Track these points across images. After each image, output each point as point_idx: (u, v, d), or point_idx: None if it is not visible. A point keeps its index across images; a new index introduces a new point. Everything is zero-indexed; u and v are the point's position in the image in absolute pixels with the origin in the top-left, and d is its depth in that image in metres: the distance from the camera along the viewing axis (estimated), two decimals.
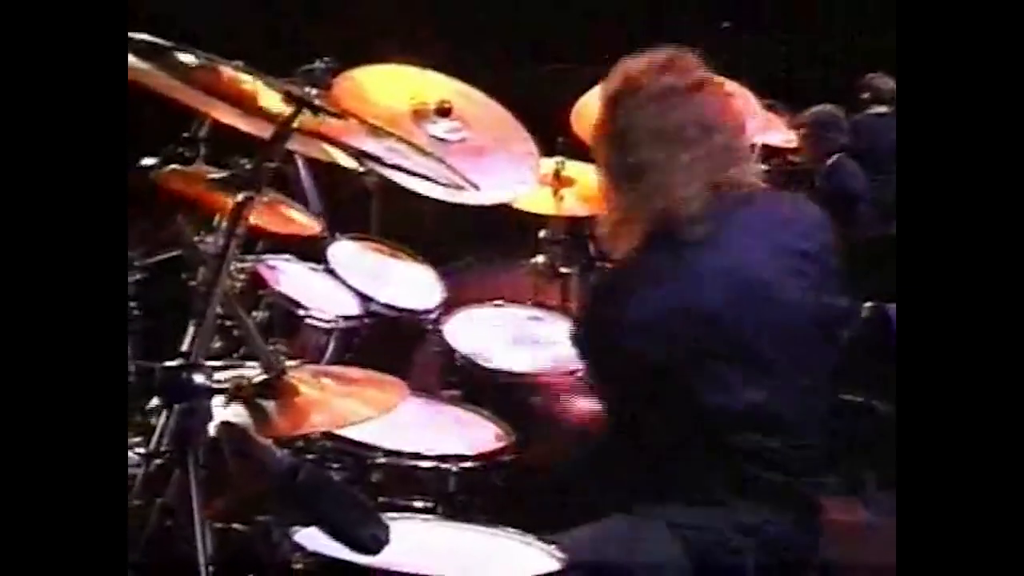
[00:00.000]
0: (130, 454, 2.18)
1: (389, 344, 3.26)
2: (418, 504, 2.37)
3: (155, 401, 1.78)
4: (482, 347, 3.09)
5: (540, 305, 3.49)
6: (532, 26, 7.30)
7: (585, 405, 2.50)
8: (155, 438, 1.77)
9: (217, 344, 2.63)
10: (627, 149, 2.25)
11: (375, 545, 1.78)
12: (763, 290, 2.17)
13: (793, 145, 5.99)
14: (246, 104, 1.95)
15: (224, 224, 1.86)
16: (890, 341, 1.59)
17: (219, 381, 1.77)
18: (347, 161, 2.21)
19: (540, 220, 3.84)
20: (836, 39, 8.09)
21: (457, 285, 3.56)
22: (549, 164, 3.61)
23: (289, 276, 3.31)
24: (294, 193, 3.83)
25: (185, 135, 3.14)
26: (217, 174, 1.92)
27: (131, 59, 1.76)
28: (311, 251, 3.46)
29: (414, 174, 2.20)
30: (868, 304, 3.63)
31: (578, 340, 2.39)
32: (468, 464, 2.45)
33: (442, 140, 3.03)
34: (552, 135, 3.46)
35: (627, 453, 2.25)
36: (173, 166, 3.18)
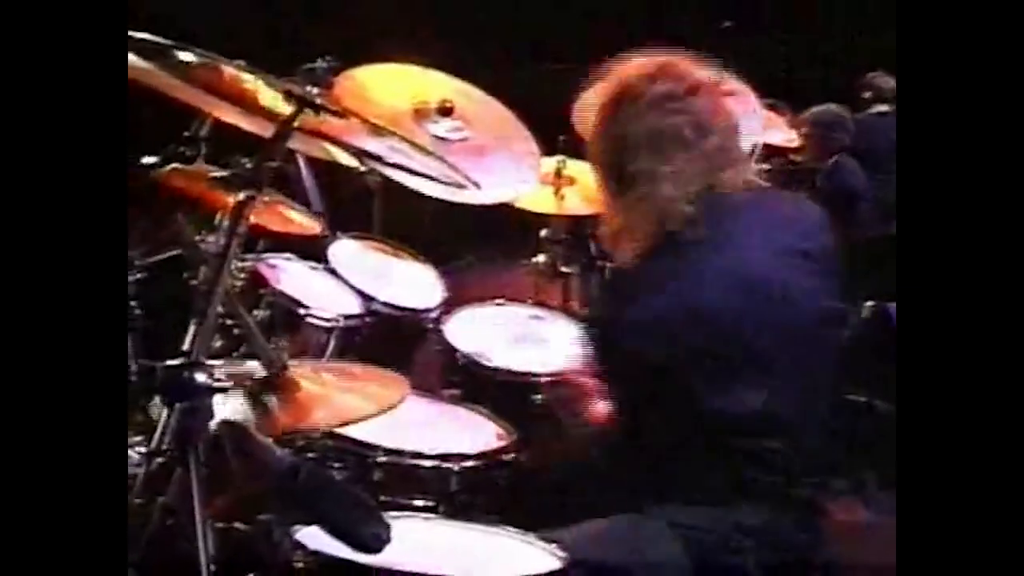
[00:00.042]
0: (131, 453, 2.19)
1: (390, 343, 3.26)
2: (419, 503, 2.38)
3: (156, 400, 1.79)
4: (483, 346, 3.09)
5: (541, 304, 3.50)
6: (532, 26, 7.30)
7: (597, 405, 2.50)
8: (156, 437, 1.77)
9: (218, 343, 2.63)
10: (626, 156, 2.25)
11: (376, 544, 1.78)
12: (765, 290, 2.17)
13: (794, 144, 5.99)
14: (247, 103, 1.95)
15: (225, 223, 1.86)
16: (891, 341, 1.59)
17: (221, 378, 1.77)
18: (348, 160, 2.21)
19: (541, 219, 3.85)
20: (836, 39, 8.09)
21: (458, 284, 3.57)
22: (550, 163, 3.61)
23: (290, 275, 3.31)
24: (295, 192, 3.83)
25: (186, 134, 3.14)
26: (218, 173, 1.92)
27: (133, 58, 1.76)
28: (312, 250, 3.46)
29: (415, 173, 2.20)
30: (869, 304, 3.63)
31: (587, 341, 2.41)
32: (469, 463, 2.45)
33: (443, 139, 3.03)
34: (553, 134, 3.47)
35: (630, 453, 2.25)
36: (174, 165, 3.17)
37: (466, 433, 2.62)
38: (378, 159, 2.13)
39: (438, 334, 3.18)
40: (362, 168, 2.46)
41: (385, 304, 3.31)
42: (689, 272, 2.19)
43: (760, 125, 3.42)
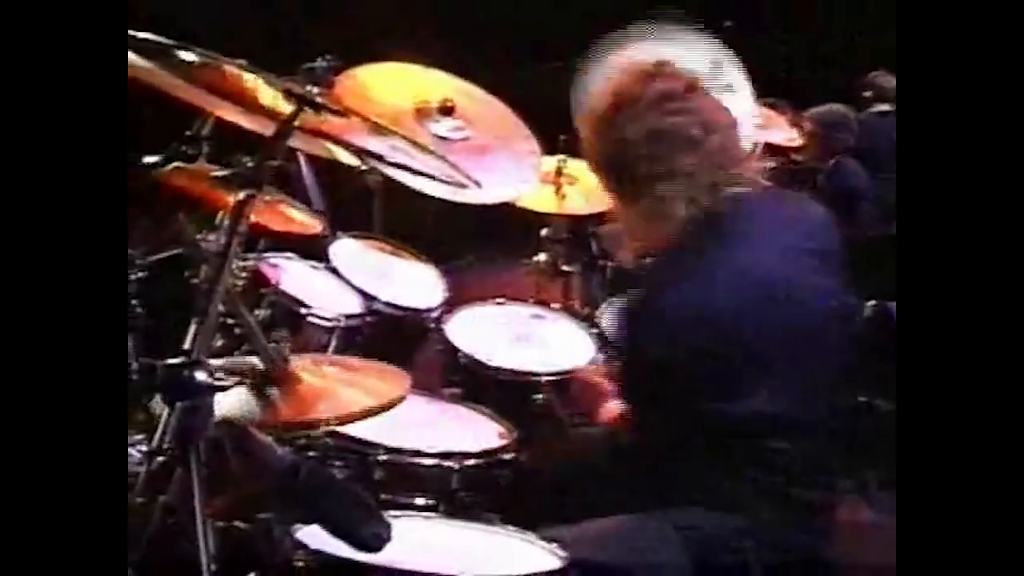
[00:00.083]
0: (132, 452, 2.19)
1: (391, 342, 3.26)
2: (420, 502, 2.38)
3: (157, 399, 1.79)
4: (484, 345, 3.09)
5: (542, 303, 3.50)
6: (532, 26, 7.29)
7: (606, 405, 2.50)
8: (157, 436, 1.77)
9: (219, 342, 2.63)
10: (631, 161, 2.23)
11: (377, 543, 1.79)
12: (779, 291, 2.16)
13: (795, 144, 5.98)
14: (248, 102, 1.95)
15: (226, 222, 1.86)
16: (892, 340, 1.59)
17: (222, 377, 1.77)
18: (349, 159, 2.21)
19: (542, 218, 3.85)
20: (836, 39, 8.08)
21: (459, 283, 3.57)
22: (551, 162, 3.62)
23: (291, 274, 3.31)
24: (296, 191, 3.83)
25: (188, 133, 3.14)
26: (219, 172, 1.92)
27: (134, 58, 1.76)
28: (313, 249, 3.46)
29: (417, 172, 2.20)
30: (870, 303, 3.63)
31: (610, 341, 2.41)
32: (470, 462, 2.45)
33: (444, 138, 3.04)
34: (554, 133, 3.47)
35: (637, 453, 2.25)
36: (176, 164, 3.17)
37: (467, 432, 2.62)
38: (379, 158, 2.13)
39: (439, 333, 3.18)
40: (363, 167, 2.47)
41: (386, 303, 3.31)
42: (698, 275, 2.17)
43: (752, 126, 3.42)
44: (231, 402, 1.82)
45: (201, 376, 1.72)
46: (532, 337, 3.22)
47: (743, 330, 2.12)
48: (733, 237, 2.19)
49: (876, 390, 4.03)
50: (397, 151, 2.07)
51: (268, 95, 1.91)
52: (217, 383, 1.75)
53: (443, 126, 3.05)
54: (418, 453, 2.42)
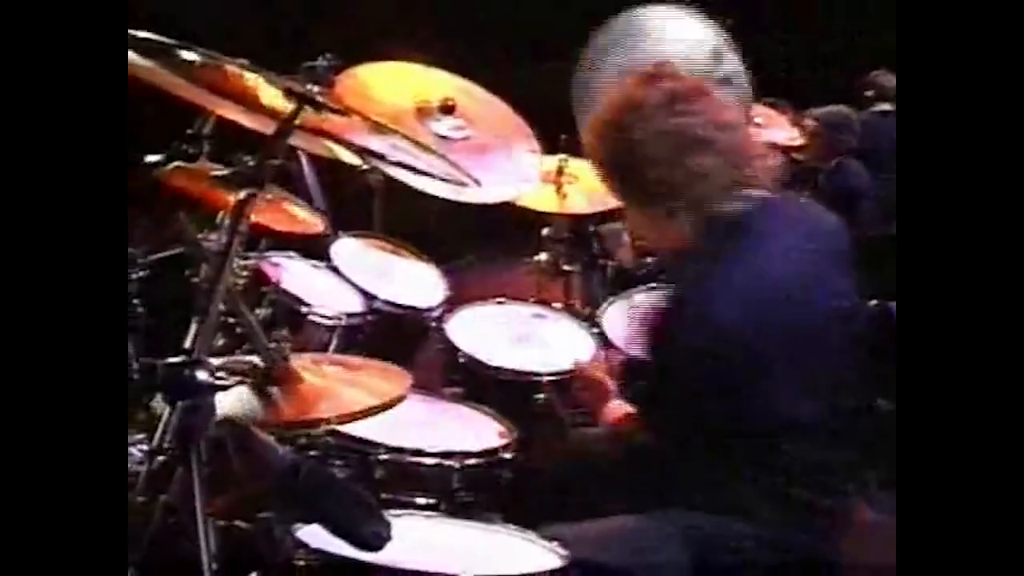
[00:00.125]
0: (133, 451, 2.19)
1: (392, 342, 3.26)
2: (420, 501, 2.38)
3: (158, 398, 1.79)
4: (485, 345, 3.10)
5: (543, 303, 3.51)
6: (532, 26, 7.29)
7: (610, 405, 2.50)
8: (158, 435, 1.77)
9: (220, 341, 2.63)
10: (640, 165, 2.20)
11: (377, 542, 1.79)
12: (790, 294, 2.14)
13: (796, 143, 5.99)
14: (249, 101, 1.95)
15: (227, 221, 1.86)
16: (892, 340, 1.59)
17: (222, 376, 1.77)
18: (350, 158, 2.21)
19: (543, 218, 3.85)
20: (836, 39, 8.08)
21: (460, 283, 3.57)
22: (552, 161, 3.62)
23: (292, 273, 3.31)
24: (297, 190, 3.83)
25: (189, 132, 3.14)
26: (220, 171, 1.92)
27: (135, 57, 1.76)
28: (314, 248, 3.46)
29: (418, 171, 2.20)
30: (872, 303, 3.63)
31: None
32: (471, 461, 2.45)
33: (445, 138, 3.04)
34: (555, 132, 3.47)
35: (641, 453, 2.25)
36: (176, 163, 3.17)
37: (468, 431, 2.62)
38: (380, 157, 2.13)
39: (440, 332, 3.18)
40: (364, 166, 2.47)
41: (387, 302, 3.31)
42: (712, 281, 2.14)
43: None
44: (232, 401, 1.82)
45: (202, 375, 1.72)
46: (533, 337, 3.22)
47: (760, 334, 2.08)
48: (746, 245, 2.16)
49: (877, 390, 4.02)
50: (398, 150, 2.07)
51: (269, 94, 1.91)
52: (218, 382, 1.75)
53: (444, 125, 3.05)
54: (419, 452, 2.42)
